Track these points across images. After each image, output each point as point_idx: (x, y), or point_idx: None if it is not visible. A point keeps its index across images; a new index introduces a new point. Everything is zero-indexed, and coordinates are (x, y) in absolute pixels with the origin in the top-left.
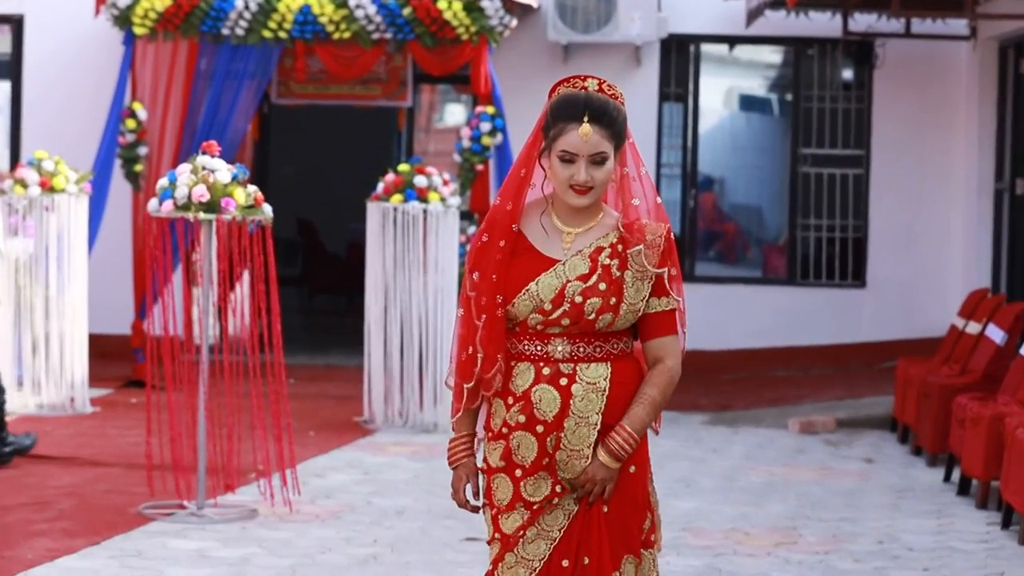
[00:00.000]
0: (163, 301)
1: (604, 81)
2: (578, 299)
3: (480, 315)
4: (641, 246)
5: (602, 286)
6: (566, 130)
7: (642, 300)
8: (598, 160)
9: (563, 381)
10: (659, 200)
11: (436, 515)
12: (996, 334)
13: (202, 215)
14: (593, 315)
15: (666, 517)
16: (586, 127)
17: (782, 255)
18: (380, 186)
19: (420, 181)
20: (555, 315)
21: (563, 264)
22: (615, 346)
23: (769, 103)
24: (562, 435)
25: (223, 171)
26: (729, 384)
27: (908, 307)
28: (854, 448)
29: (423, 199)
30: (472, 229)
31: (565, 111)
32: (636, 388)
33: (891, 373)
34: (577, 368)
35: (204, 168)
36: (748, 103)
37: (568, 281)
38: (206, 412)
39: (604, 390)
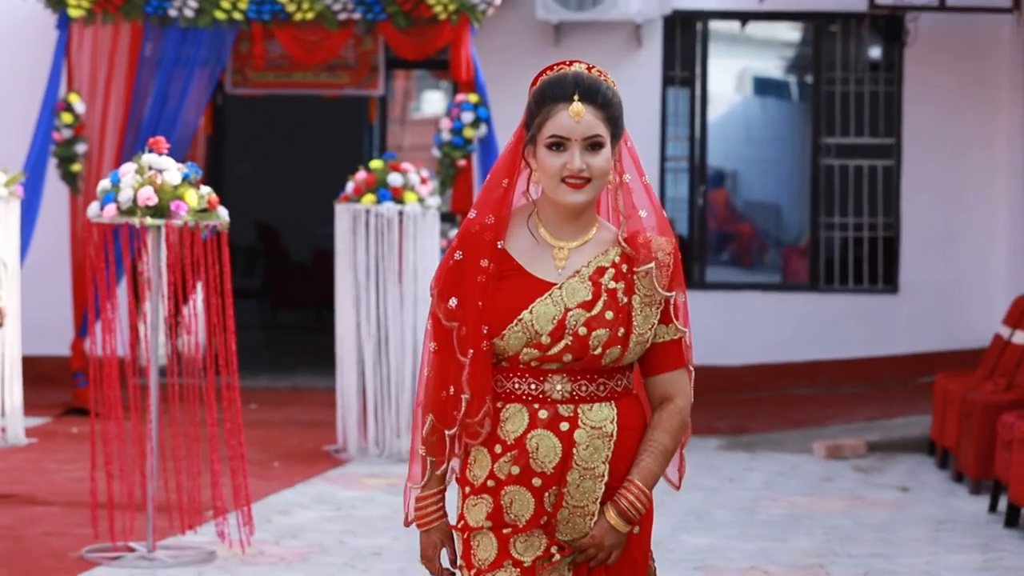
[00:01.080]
0: (106, 318)
1: (594, 66)
2: (582, 331)
3: (466, 350)
4: (651, 264)
5: (608, 315)
6: (554, 111)
7: (650, 329)
8: (594, 145)
9: (564, 426)
10: (664, 214)
11: (416, 555)
12: None
13: (149, 220)
14: (599, 350)
15: (677, 554)
16: (578, 105)
17: (803, 258)
18: (350, 186)
19: (395, 179)
20: (555, 350)
21: (560, 288)
22: (619, 383)
23: (787, 87)
24: (565, 490)
25: (172, 171)
26: (746, 404)
27: (946, 315)
28: (887, 475)
29: (399, 200)
30: (454, 233)
31: (552, 92)
32: (642, 431)
33: (928, 389)
34: (579, 410)
35: (151, 167)
36: (763, 87)
37: (568, 309)
38: (157, 443)
39: (611, 435)
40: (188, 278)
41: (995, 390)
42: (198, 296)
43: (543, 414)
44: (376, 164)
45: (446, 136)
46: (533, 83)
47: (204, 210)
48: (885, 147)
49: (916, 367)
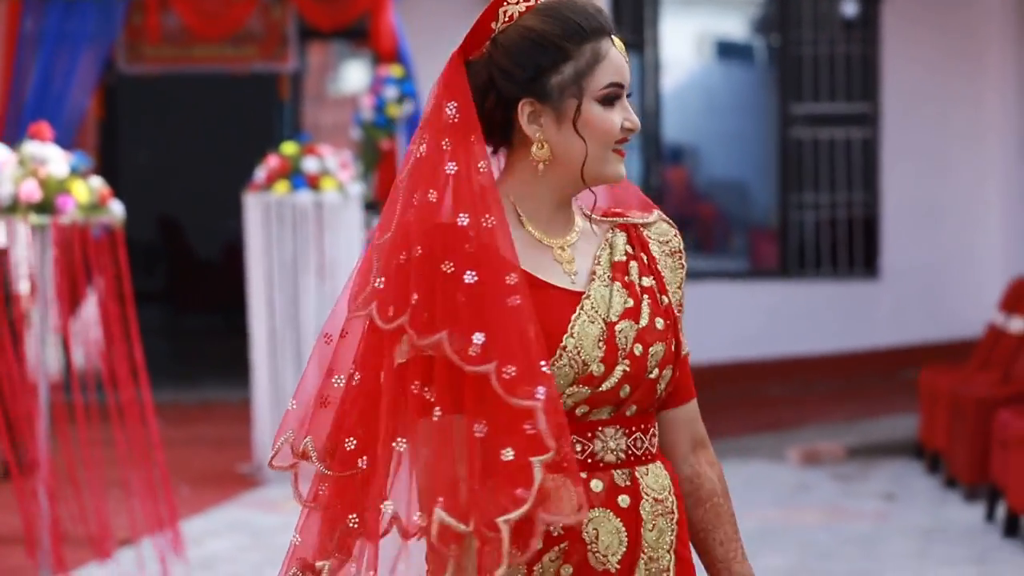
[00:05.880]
0: None
1: None
2: (637, 349)
3: (520, 392)
4: (673, 238)
5: (659, 323)
6: (603, 49)
7: None
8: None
9: (623, 500)
10: None
11: None
12: None
13: (33, 218)
14: (655, 372)
15: None
16: (618, 40)
17: (773, 242)
18: (260, 173)
19: (311, 165)
20: (609, 383)
21: (589, 298)
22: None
23: (750, 50)
24: None
25: (58, 161)
26: (710, 406)
27: (933, 302)
28: (870, 482)
29: (315, 187)
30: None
31: (584, 22)
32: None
33: (914, 385)
34: (637, 475)
35: (33, 158)
36: (724, 51)
37: (612, 323)
38: (50, 466)
39: (673, 511)
40: (80, 282)
41: (989, 384)
42: (91, 302)
43: (596, 486)
44: (289, 148)
45: (367, 115)
46: (489, 17)
47: (96, 206)
48: (861, 116)
49: (900, 360)
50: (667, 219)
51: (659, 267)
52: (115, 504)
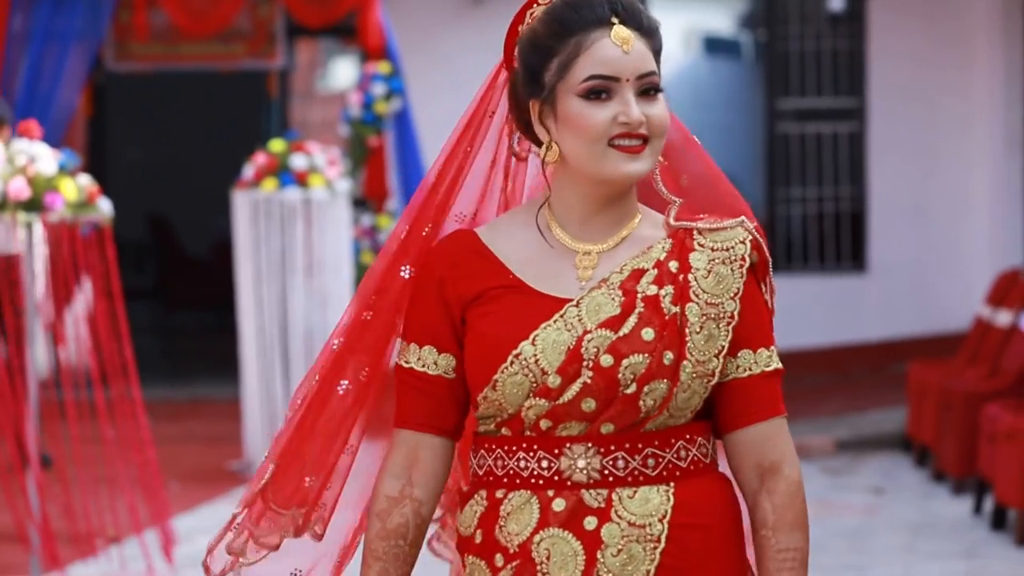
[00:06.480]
0: None
1: None
2: (606, 360)
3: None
4: (728, 229)
5: (647, 334)
6: (587, 42)
7: (717, 355)
8: (649, 88)
9: (590, 522)
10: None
11: None
12: None
13: (22, 216)
14: (633, 387)
15: None
16: (622, 28)
17: (760, 236)
18: (248, 170)
19: (299, 162)
20: (568, 396)
21: (578, 306)
22: (683, 452)
23: (737, 45)
24: None
25: (47, 159)
26: None
27: (921, 296)
28: (858, 475)
29: (303, 184)
30: (367, 219)
31: (575, 15)
32: (726, 535)
33: (902, 379)
34: (614, 497)
35: (22, 156)
36: (712, 46)
37: (586, 332)
38: (37, 464)
39: (658, 538)
40: (70, 279)
41: (977, 378)
42: (81, 299)
43: (558, 505)
44: (277, 145)
45: (356, 112)
46: (518, 20)
47: (84, 203)
48: (849, 110)
49: (888, 354)
50: (748, 228)
51: (695, 275)
52: (105, 501)
